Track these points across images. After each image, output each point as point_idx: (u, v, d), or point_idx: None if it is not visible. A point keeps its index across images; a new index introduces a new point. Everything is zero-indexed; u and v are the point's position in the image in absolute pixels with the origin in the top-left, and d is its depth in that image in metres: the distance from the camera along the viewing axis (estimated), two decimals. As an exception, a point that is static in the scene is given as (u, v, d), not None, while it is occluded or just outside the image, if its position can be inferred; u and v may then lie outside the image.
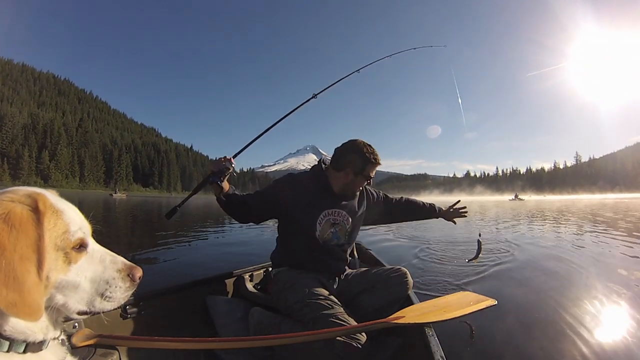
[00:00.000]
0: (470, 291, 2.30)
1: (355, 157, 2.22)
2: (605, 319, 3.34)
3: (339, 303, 1.96)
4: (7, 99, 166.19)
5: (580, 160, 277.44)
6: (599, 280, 4.88)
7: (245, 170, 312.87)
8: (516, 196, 76.01)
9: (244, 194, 2.27)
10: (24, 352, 0.71)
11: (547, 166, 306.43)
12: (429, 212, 2.68)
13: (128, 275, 0.84)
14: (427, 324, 1.75)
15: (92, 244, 0.82)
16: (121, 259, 0.86)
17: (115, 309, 1.54)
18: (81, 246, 0.77)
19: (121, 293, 0.83)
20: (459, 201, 2.67)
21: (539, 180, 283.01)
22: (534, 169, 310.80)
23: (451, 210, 2.68)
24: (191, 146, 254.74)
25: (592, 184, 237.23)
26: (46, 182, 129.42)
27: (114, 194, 69.34)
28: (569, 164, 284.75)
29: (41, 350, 0.74)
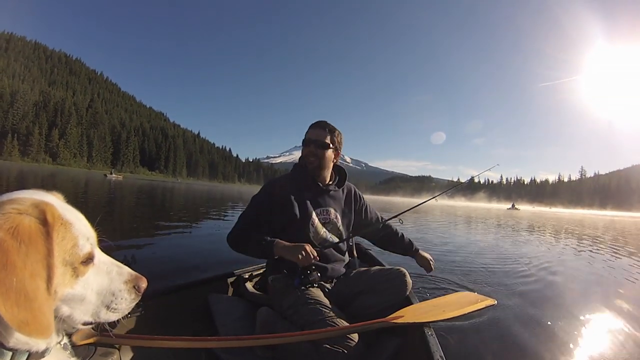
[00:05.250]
0: (469, 291, 2.31)
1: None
2: (603, 321, 3.49)
3: (330, 307, 1.92)
4: (19, 76, 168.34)
5: (585, 175, 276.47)
6: (597, 284, 5.26)
7: (251, 161, 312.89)
8: (513, 205, 78.81)
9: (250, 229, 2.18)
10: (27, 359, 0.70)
11: (552, 178, 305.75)
12: (409, 247, 2.60)
13: (134, 286, 0.84)
14: (427, 324, 1.75)
15: (99, 255, 0.81)
16: (127, 269, 0.86)
17: None
18: (88, 258, 0.76)
19: (126, 304, 0.84)
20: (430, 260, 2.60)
21: (542, 192, 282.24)
22: (538, 180, 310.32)
23: (424, 257, 2.60)
24: (198, 133, 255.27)
25: (594, 200, 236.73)
26: (54, 160, 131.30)
27: (108, 175, 62.13)
28: (573, 178, 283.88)
29: (43, 357, 0.73)
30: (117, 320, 1.44)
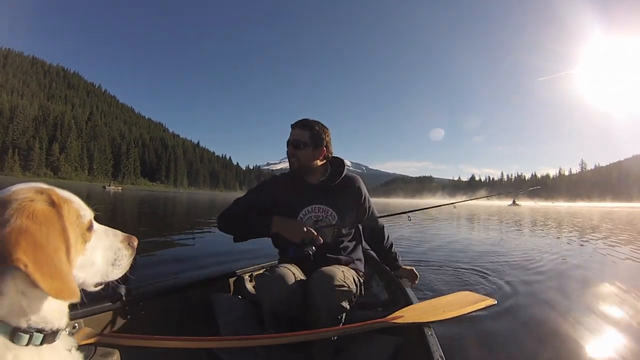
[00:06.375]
0: (469, 291, 2.38)
1: None
2: (603, 321, 3.42)
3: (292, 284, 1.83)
4: (18, 91, 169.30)
5: (585, 168, 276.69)
6: (598, 283, 5.12)
7: (251, 168, 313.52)
8: (514, 202, 78.89)
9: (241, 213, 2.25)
10: (41, 344, 0.75)
11: (553, 172, 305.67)
12: (393, 260, 2.57)
13: (128, 244, 0.96)
14: (426, 324, 1.75)
15: (95, 223, 0.89)
16: (118, 231, 0.97)
17: (117, 308, 1.75)
18: (90, 225, 0.85)
19: (126, 260, 0.95)
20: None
21: (543, 187, 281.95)
22: (539, 175, 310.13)
23: (407, 270, 2.57)
24: (198, 142, 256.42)
25: (595, 192, 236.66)
26: (56, 174, 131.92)
27: (107, 187, 63.18)
28: (574, 171, 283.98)
29: (54, 341, 0.78)
30: (119, 319, 1.70)
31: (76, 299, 0.71)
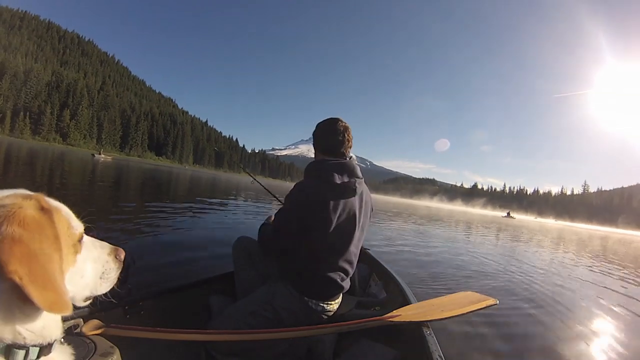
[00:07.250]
0: (471, 291, 2.43)
1: None
2: (601, 323, 3.57)
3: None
4: (32, 55, 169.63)
5: (588, 190, 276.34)
6: (595, 289, 5.45)
7: (257, 151, 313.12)
8: (509, 214, 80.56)
9: None
10: (38, 357, 0.72)
11: (555, 190, 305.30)
12: None
13: (115, 257, 0.92)
14: (425, 323, 1.74)
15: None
16: (105, 243, 0.93)
17: (116, 308, 1.78)
18: (81, 237, 0.81)
19: (114, 273, 0.90)
20: None
21: (544, 203, 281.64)
22: (541, 191, 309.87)
23: None
24: (206, 121, 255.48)
25: (594, 215, 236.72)
26: (65, 140, 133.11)
27: (96, 155, 56.71)
28: (576, 192, 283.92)
29: (50, 353, 0.76)
30: (119, 320, 1.68)
31: (68, 311, 0.66)
